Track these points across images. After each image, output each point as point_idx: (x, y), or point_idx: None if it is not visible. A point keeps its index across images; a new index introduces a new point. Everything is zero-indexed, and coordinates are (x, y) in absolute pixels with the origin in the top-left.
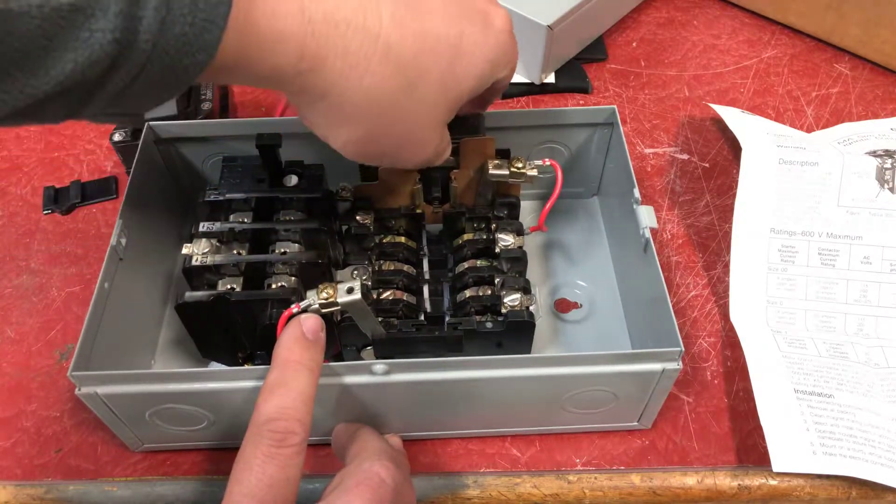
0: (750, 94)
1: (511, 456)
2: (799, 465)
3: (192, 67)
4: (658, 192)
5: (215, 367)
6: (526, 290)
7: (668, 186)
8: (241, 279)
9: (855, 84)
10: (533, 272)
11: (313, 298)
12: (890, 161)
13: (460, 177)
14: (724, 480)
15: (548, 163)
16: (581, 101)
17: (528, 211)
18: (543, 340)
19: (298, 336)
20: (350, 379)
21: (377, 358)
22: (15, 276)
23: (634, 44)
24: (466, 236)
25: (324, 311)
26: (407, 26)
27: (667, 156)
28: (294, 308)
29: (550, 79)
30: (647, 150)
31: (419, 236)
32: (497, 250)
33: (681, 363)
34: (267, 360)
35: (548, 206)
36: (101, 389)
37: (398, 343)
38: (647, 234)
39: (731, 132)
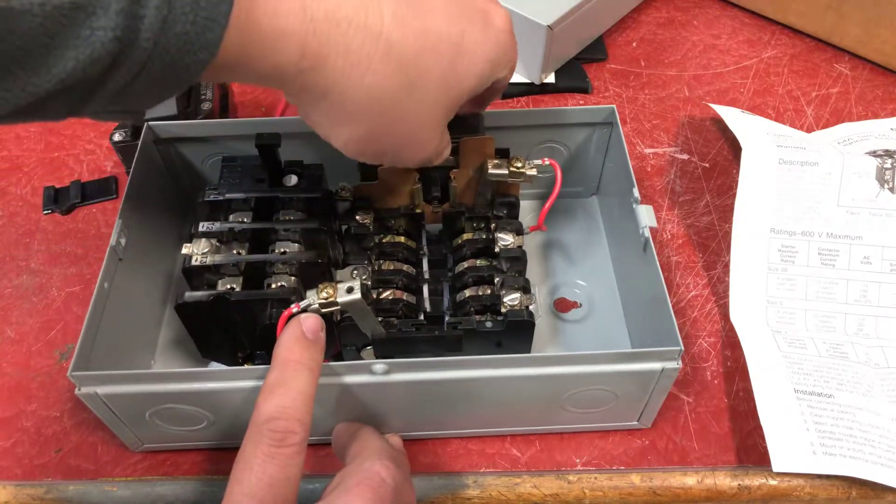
0: (750, 94)
1: (511, 456)
2: (799, 465)
3: (193, 66)
4: (658, 192)
5: (215, 367)
6: (525, 289)
7: (668, 186)
8: (240, 279)
9: (855, 84)
10: (532, 272)
11: (313, 298)
12: (890, 161)
13: (460, 176)
14: (724, 480)
15: (547, 162)
16: (581, 101)
17: (527, 210)
18: (543, 340)
19: (298, 336)
20: (350, 378)
21: (377, 357)
22: (15, 276)
23: (634, 44)
24: (466, 236)
25: (324, 310)
26: (408, 25)
27: (667, 156)
28: (294, 308)
29: (550, 79)
30: (647, 150)
31: (419, 236)
32: (496, 250)
33: (680, 362)
34: (267, 359)
35: (547, 205)
36: (101, 389)
37: (398, 343)
38: (647, 233)
39: (731, 132)
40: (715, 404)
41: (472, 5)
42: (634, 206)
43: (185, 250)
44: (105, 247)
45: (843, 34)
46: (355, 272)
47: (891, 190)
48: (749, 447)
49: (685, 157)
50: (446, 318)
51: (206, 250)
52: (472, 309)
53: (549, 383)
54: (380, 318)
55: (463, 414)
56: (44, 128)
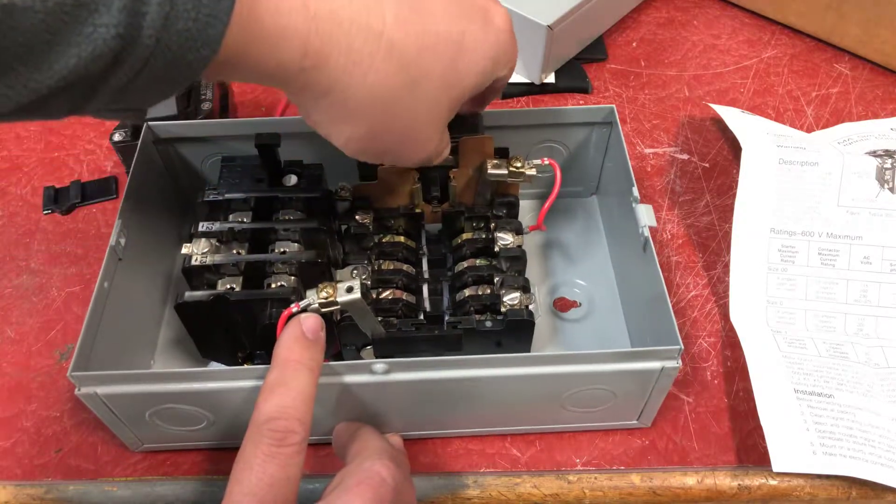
0: (750, 94)
1: (511, 456)
2: (799, 465)
3: (195, 63)
4: (658, 192)
5: (215, 366)
6: (525, 288)
7: (668, 186)
8: (240, 279)
9: (855, 84)
10: (532, 271)
11: (313, 298)
12: (890, 161)
13: (459, 176)
14: (724, 480)
15: (546, 162)
16: (581, 101)
17: (527, 210)
18: (543, 339)
19: (298, 335)
20: (350, 378)
21: (377, 357)
22: (15, 276)
23: (634, 44)
24: (465, 235)
25: (323, 310)
26: (410, 25)
27: (667, 156)
28: (294, 307)
29: (550, 79)
30: (647, 150)
31: (418, 236)
32: (496, 249)
33: (680, 361)
34: (267, 359)
35: (546, 205)
36: (101, 389)
37: (398, 342)
38: (646, 232)
39: (731, 132)
40: (715, 404)
41: (472, 4)
42: (634, 205)
43: (184, 250)
44: (105, 247)
45: (843, 34)
46: (355, 272)
47: (891, 190)
48: (749, 447)
49: (685, 157)
50: (446, 318)
51: (205, 250)
52: (472, 308)
53: (549, 382)
54: (379, 318)
55: (463, 413)
56: (44, 127)
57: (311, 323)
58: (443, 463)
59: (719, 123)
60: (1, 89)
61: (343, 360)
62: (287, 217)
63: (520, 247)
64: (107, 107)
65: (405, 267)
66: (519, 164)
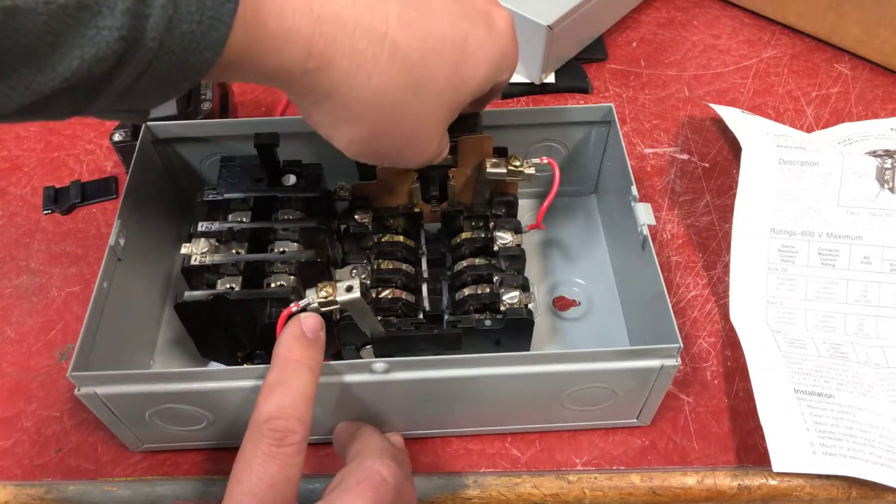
0: (750, 94)
1: (511, 456)
2: (799, 465)
3: (199, 65)
4: (658, 192)
5: (215, 366)
6: (524, 287)
7: (668, 186)
8: (240, 278)
9: (855, 84)
10: (531, 270)
11: (312, 297)
12: (890, 161)
13: (458, 175)
14: (724, 480)
15: (545, 161)
16: (581, 101)
17: (526, 209)
18: (542, 338)
19: (298, 335)
20: (350, 377)
21: (376, 356)
22: (15, 276)
23: (634, 44)
24: (465, 235)
25: (323, 309)
26: (413, 27)
27: (667, 156)
28: (293, 307)
29: (550, 79)
30: (647, 150)
31: (417, 235)
32: (495, 248)
33: (679, 360)
34: (266, 359)
35: (545, 204)
36: (101, 389)
37: (397, 341)
38: (645, 230)
39: (731, 132)
40: (715, 404)
41: (474, 8)
42: (633, 203)
43: (184, 250)
44: (105, 247)
45: (843, 34)
46: (354, 271)
47: (891, 190)
48: (749, 447)
49: (685, 157)
50: (445, 317)
51: (205, 250)
52: (472, 307)
53: (549, 381)
54: (379, 317)
55: (463, 412)
56: (44, 128)
57: (310, 322)
58: (443, 463)
59: (719, 123)
60: (3, 91)
61: (343, 359)
62: (286, 217)
63: (519, 246)
64: (110, 108)
65: (404, 266)
66: (518, 163)
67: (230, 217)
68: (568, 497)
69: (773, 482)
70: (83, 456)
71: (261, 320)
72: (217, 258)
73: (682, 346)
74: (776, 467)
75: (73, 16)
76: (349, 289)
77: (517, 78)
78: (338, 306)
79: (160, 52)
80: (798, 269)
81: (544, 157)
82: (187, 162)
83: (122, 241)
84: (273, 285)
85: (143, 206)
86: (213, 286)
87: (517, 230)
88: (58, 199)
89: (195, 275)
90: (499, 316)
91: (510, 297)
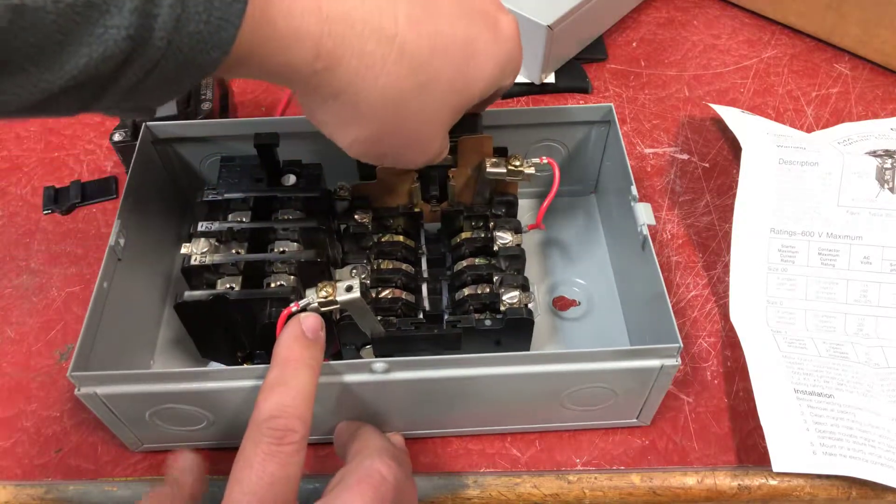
0: (750, 94)
1: (511, 456)
2: (799, 465)
3: (206, 65)
4: (658, 192)
5: (215, 366)
6: (524, 287)
7: (668, 186)
8: (239, 278)
9: (855, 84)
10: (531, 270)
11: (312, 297)
12: (890, 161)
13: (458, 175)
14: (724, 480)
15: (545, 161)
16: (581, 101)
17: (526, 209)
18: (542, 338)
19: (298, 334)
20: (350, 377)
21: (376, 356)
22: (15, 276)
23: (634, 44)
24: (465, 234)
25: (323, 309)
26: (421, 28)
27: (667, 156)
28: (293, 307)
29: (550, 79)
30: (647, 150)
31: (417, 235)
32: (495, 248)
33: (679, 359)
34: (266, 359)
35: (545, 204)
36: (101, 389)
37: (397, 341)
38: (645, 230)
39: (731, 132)
40: (715, 404)
41: (481, 11)
42: (632, 203)
43: (184, 250)
44: (105, 247)
45: (843, 34)
46: (354, 271)
47: (891, 190)
48: (749, 447)
49: (685, 157)
50: (445, 317)
51: (205, 250)
52: (471, 307)
53: (549, 381)
54: (379, 317)
55: (463, 412)
56: (44, 128)
57: (310, 322)
58: (443, 463)
59: (719, 123)
60: (12, 88)
61: (343, 359)
62: (286, 217)
63: (519, 245)
64: (116, 105)
65: (404, 266)
66: (518, 163)
67: (230, 217)
68: (568, 497)
69: (773, 482)
70: (83, 456)
71: (261, 320)
72: (217, 258)
73: (682, 346)
74: (776, 467)
75: (81, 14)
76: (349, 289)
77: (517, 78)
78: (338, 306)
79: (168, 51)
80: (798, 269)
81: (544, 157)
82: (187, 162)
83: (122, 241)
84: (273, 285)
85: (143, 206)
86: (213, 286)
87: (517, 230)
88: (58, 199)
89: (195, 275)
90: (499, 316)
91: (510, 297)
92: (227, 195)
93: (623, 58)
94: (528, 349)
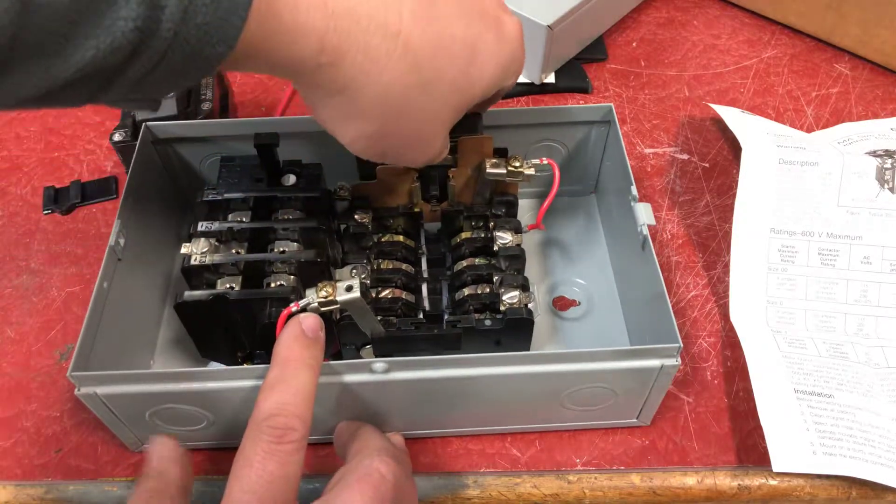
0: (750, 94)
1: (511, 456)
2: (799, 465)
3: (212, 57)
4: (658, 192)
5: (215, 366)
6: (524, 287)
7: (668, 186)
8: (239, 278)
9: (855, 84)
10: (531, 270)
11: (312, 297)
12: (890, 161)
13: (458, 175)
14: (724, 480)
15: (545, 162)
16: (581, 101)
17: (526, 209)
18: (542, 338)
19: (298, 334)
20: (350, 377)
21: (376, 356)
22: (15, 276)
23: (634, 44)
24: (465, 234)
25: (323, 309)
26: (426, 26)
27: (667, 156)
28: (293, 307)
29: (550, 79)
30: (647, 150)
31: (417, 235)
32: (495, 248)
33: (679, 359)
34: (266, 359)
35: (545, 205)
36: (101, 389)
37: (397, 341)
38: (645, 230)
39: (731, 132)
40: (715, 404)
41: (486, 12)
42: (632, 203)
43: (184, 250)
44: (105, 247)
45: (843, 34)
46: (354, 271)
47: (891, 190)
48: (749, 447)
49: (685, 157)
50: (445, 317)
51: (205, 250)
52: (471, 307)
53: (549, 381)
54: (379, 317)
55: (463, 412)
56: (44, 128)
57: (310, 322)
58: (443, 463)
59: (719, 123)
60: (19, 79)
61: (343, 359)
62: (286, 216)
63: (519, 245)
64: (122, 97)
65: (404, 266)
66: (518, 164)
67: (230, 217)
68: (568, 497)
69: (773, 482)
70: (83, 456)
71: (261, 320)
72: (217, 258)
73: (682, 345)
74: (776, 467)
75: (89, 5)
76: (349, 289)
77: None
78: (338, 306)
79: (175, 43)
80: (798, 269)
81: (544, 158)
82: (187, 162)
83: (122, 241)
84: (273, 285)
85: (143, 206)
86: (213, 286)
87: (517, 230)
88: (58, 199)
89: (195, 275)
90: (499, 316)
91: (510, 297)
92: (227, 195)
93: (623, 58)
94: (528, 349)
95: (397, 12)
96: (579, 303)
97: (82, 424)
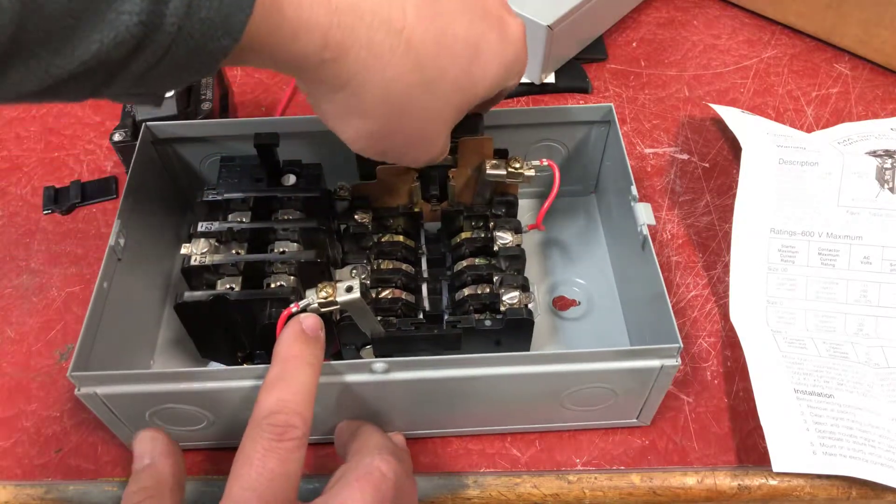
0: (750, 94)
1: (511, 456)
2: (799, 465)
3: (216, 52)
4: (658, 192)
5: (215, 366)
6: (524, 287)
7: (668, 186)
8: (239, 279)
9: (855, 84)
10: (531, 270)
11: (312, 297)
12: (890, 161)
13: (458, 176)
14: (724, 480)
15: (545, 163)
16: (581, 101)
17: (526, 209)
18: (542, 338)
19: (299, 333)
20: (350, 377)
21: (376, 356)
22: (15, 276)
23: (634, 44)
24: (465, 234)
25: (323, 310)
26: (429, 24)
27: (667, 156)
28: (293, 307)
29: (550, 79)
30: (647, 150)
31: (417, 235)
32: (495, 248)
33: (679, 360)
34: (266, 359)
35: (545, 206)
36: (101, 389)
37: (397, 341)
38: (645, 230)
39: (731, 132)
40: (715, 404)
41: (489, 11)
42: (632, 203)
43: (184, 250)
44: (105, 247)
45: (843, 34)
46: (354, 271)
47: (891, 190)
48: (749, 447)
49: (685, 157)
50: (445, 317)
51: (204, 250)
52: (471, 307)
53: (549, 381)
54: (379, 318)
55: (463, 412)
56: (44, 128)
57: (310, 322)
58: (443, 463)
59: (719, 123)
60: (22, 73)
61: (343, 359)
62: (286, 217)
63: (519, 245)
64: (125, 91)
65: (404, 266)
66: (518, 165)
67: (230, 217)
68: (568, 497)
69: (773, 482)
70: (83, 456)
71: (261, 321)
72: (217, 258)
73: (682, 346)
74: (776, 467)
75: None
76: (349, 289)
77: None
78: (338, 307)
79: (178, 37)
80: (798, 269)
81: (544, 160)
82: (187, 162)
83: (122, 241)
84: (273, 285)
85: (143, 206)
86: (213, 286)
87: (517, 230)
88: (58, 199)
89: (195, 275)
90: (499, 316)
91: (510, 297)
92: (227, 195)
93: (623, 58)
94: (528, 349)
95: (401, 9)
96: (579, 303)
97: (82, 424)
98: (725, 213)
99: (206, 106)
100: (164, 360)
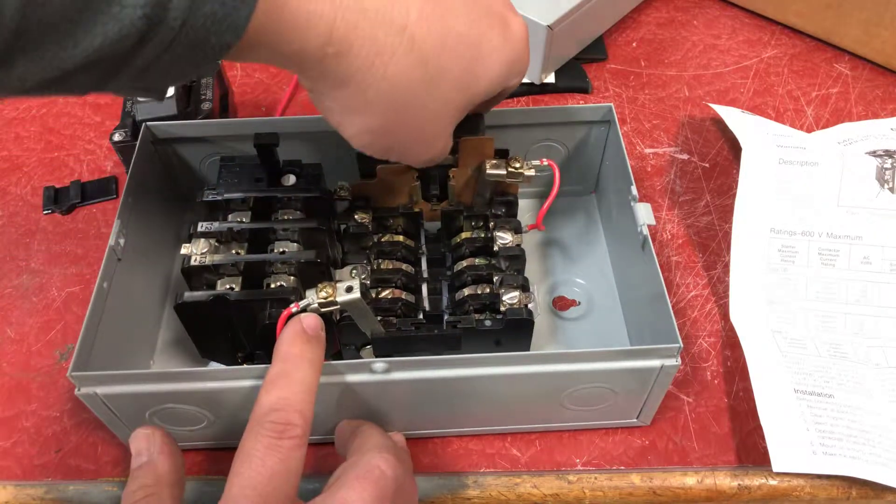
0: (750, 94)
1: (511, 456)
2: (799, 465)
3: (219, 46)
4: (658, 192)
5: (215, 366)
6: (524, 287)
7: (668, 186)
8: (239, 279)
9: (855, 84)
10: (531, 270)
11: (312, 298)
12: (890, 161)
13: (458, 175)
14: (724, 480)
15: (545, 163)
16: (581, 101)
17: (526, 209)
18: (542, 338)
19: (299, 331)
20: (350, 377)
21: (376, 356)
22: (15, 276)
23: (634, 44)
24: (465, 234)
25: (323, 310)
26: (432, 22)
27: (667, 156)
28: (293, 307)
29: (550, 79)
30: (647, 150)
31: (417, 235)
32: (495, 248)
33: (679, 360)
34: (266, 359)
35: (545, 206)
36: (101, 390)
37: (397, 341)
38: (645, 230)
39: (731, 132)
40: (715, 404)
41: (492, 11)
42: (632, 203)
43: (184, 250)
44: (105, 247)
45: (843, 34)
46: (354, 271)
47: (891, 190)
48: (749, 447)
49: (685, 157)
50: (445, 317)
51: (204, 250)
52: (471, 307)
53: (549, 381)
54: (379, 318)
55: (463, 412)
56: (44, 128)
57: (310, 322)
58: (443, 463)
59: (719, 123)
60: (26, 66)
61: (343, 359)
62: (286, 217)
63: (519, 245)
64: (128, 85)
65: (404, 266)
66: (518, 165)
67: (230, 217)
68: (568, 497)
69: (773, 482)
70: (83, 456)
71: (261, 321)
72: (217, 258)
73: (682, 346)
74: (776, 467)
75: None
76: (349, 289)
77: None
78: (338, 307)
79: (182, 31)
80: (798, 269)
81: (544, 160)
82: (187, 162)
83: (122, 241)
84: (273, 286)
85: (143, 206)
86: (213, 287)
87: (517, 230)
88: (58, 199)
89: (195, 275)
90: (499, 316)
91: (510, 297)
92: (226, 195)
93: (623, 58)
94: (528, 349)
95: (404, 7)
96: (579, 303)
97: (82, 424)
98: (725, 213)
99: (206, 106)
100: (164, 360)
